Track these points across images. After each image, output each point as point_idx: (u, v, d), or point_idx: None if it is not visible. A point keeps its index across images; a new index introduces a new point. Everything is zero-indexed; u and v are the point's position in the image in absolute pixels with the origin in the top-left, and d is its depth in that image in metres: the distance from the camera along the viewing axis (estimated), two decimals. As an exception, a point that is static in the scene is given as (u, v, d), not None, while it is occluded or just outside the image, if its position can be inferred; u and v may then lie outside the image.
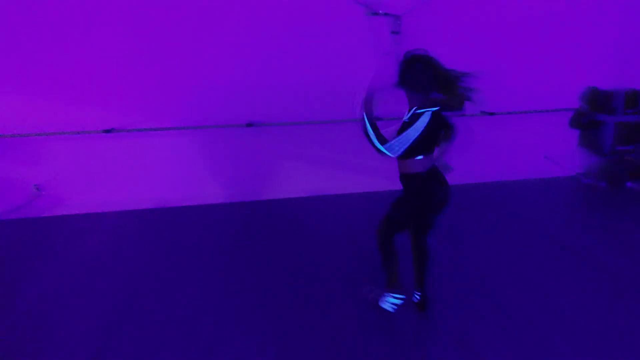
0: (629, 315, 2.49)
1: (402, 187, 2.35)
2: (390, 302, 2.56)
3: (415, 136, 2.10)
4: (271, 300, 2.75)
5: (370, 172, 4.88)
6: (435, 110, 2.14)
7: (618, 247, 3.36)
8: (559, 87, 4.98)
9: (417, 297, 2.57)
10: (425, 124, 2.09)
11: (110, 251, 3.59)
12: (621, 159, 4.92)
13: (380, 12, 4.55)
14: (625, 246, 3.37)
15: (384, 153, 2.15)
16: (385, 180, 4.75)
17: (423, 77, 2.14)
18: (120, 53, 4.11)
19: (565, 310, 2.54)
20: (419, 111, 2.14)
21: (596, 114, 4.80)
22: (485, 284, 2.86)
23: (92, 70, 4.12)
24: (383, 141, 2.14)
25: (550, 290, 2.77)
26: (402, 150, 2.13)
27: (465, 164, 4.49)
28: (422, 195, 2.25)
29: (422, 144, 2.15)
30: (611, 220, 4.00)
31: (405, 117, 2.21)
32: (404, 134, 2.11)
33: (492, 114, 4.84)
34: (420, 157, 2.20)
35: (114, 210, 4.51)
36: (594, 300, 2.65)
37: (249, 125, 4.45)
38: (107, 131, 4.21)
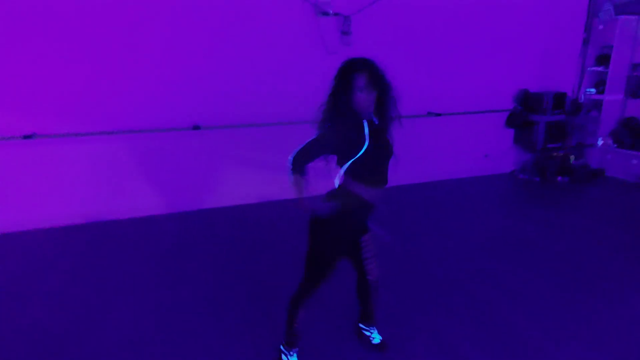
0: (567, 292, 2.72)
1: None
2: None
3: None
4: (234, 312, 2.51)
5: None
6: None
7: (553, 232, 3.82)
8: (496, 90, 5.31)
9: (376, 336, 2.25)
10: None
11: (34, 275, 3.04)
12: (551, 156, 5.35)
13: (331, 12, 4.50)
14: (558, 231, 3.85)
15: None
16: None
17: None
18: (41, 49, 3.59)
19: (514, 286, 2.86)
20: None
21: (529, 114, 5.17)
22: (445, 273, 3.01)
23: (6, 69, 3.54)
24: None
25: (500, 272, 3.06)
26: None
27: (413, 165, 4.62)
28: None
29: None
30: (546, 210, 4.42)
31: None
32: None
33: (438, 114, 5.00)
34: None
35: (32, 228, 3.90)
36: (537, 275, 3.01)
37: (196, 128, 4.13)
38: (28, 137, 3.64)
